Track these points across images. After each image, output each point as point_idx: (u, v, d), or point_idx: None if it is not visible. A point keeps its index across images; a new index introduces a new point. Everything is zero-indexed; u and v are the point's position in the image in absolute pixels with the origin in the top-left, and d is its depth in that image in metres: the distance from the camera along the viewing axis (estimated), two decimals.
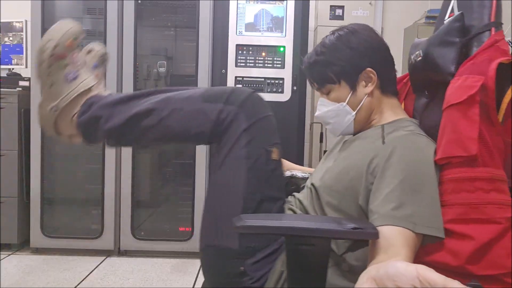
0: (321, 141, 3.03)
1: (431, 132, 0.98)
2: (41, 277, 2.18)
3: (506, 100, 0.86)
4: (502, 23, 0.94)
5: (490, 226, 0.83)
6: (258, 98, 1.09)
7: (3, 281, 2.11)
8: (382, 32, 3.19)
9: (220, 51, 2.44)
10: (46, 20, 2.44)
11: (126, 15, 2.45)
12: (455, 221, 0.86)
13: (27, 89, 2.51)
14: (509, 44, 1.06)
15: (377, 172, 0.92)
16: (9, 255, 2.47)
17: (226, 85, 2.42)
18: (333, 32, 1.09)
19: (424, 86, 1.09)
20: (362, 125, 1.09)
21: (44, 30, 2.43)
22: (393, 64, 1.09)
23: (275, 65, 2.44)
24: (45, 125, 1.18)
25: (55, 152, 2.58)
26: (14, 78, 2.71)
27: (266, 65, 2.44)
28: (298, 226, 0.82)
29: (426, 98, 1.09)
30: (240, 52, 2.44)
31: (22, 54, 2.76)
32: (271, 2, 2.44)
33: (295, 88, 2.43)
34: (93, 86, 1.15)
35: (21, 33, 2.75)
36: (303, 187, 1.19)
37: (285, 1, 2.43)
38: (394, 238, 0.82)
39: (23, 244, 2.57)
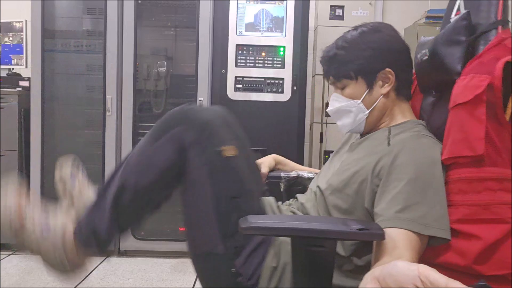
0: (321, 141, 3.03)
1: (439, 131, 0.97)
2: (41, 277, 2.18)
3: None
4: (509, 21, 0.94)
5: (498, 226, 0.83)
6: (190, 109, 1.07)
7: (3, 281, 2.11)
8: None
9: (220, 51, 2.44)
10: (46, 20, 2.45)
11: (126, 15, 2.45)
12: (462, 221, 0.86)
13: (27, 89, 2.51)
14: None
15: (383, 174, 0.92)
16: (9, 255, 2.47)
17: (226, 84, 2.42)
18: (355, 28, 1.08)
19: (431, 85, 1.08)
20: (372, 126, 1.08)
21: (44, 30, 2.43)
22: (412, 68, 1.07)
23: (275, 65, 2.43)
24: (65, 274, 1.13)
25: (55, 152, 2.58)
26: (14, 78, 2.71)
27: (266, 65, 2.44)
28: (305, 227, 0.81)
29: (434, 97, 1.08)
30: (240, 52, 2.44)
31: (22, 54, 2.76)
32: (271, 2, 2.44)
33: (295, 88, 2.43)
34: (66, 222, 1.08)
35: (21, 33, 2.75)
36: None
37: (285, 1, 2.43)
38: (398, 240, 0.82)
39: None
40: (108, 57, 2.44)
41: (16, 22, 2.76)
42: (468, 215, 0.85)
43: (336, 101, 1.09)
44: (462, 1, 1.03)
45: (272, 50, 2.44)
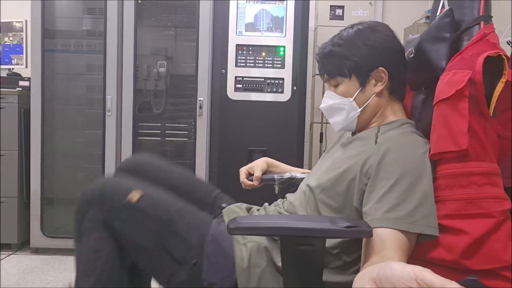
0: (321, 141, 3.03)
1: (430, 128, 0.98)
2: (41, 277, 2.18)
3: (496, 93, 0.86)
4: (491, 16, 0.94)
5: (484, 220, 0.84)
6: (82, 197, 1.09)
7: (3, 281, 2.11)
8: None
9: (220, 51, 2.44)
10: (46, 20, 2.45)
11: (126, 15, 2.45)
12: (449, 216, 0.86)
13: (27, 89, 2.51)
14: (509, 44, 1.07)
15: (371, 173, 0.92)
16: (9, 255, 2.47)
17: (226, 85, 2.42)
18: (352, 26, 1.08)
19: (419, 82, 1.09)
20: (364, 124, 1.09)
21: (44, 30, 2.43)
22: (406, 69, 1.08)
23: (275, 65, 2.43)
24: None
25: (55, 152, 2.58)
26: (14, 78, 2.71)
27: (266, 65, 2.44)
28: (294, 226, 0.82)
29: (423, 94, 1.09)
30: (240, 52, 2.44)
31: (22, 54, 2.76)
32: (271, 2, 2.44)
33: (295, 88, 2.43)
34: None
35: (21, 33, 2.75)
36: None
37: (285, 1, 2.43)
38: (387, 240, 0.83)
39: (23, 244, 2.57)
40: (108, 57, 2.44)
41: (16, 22, 2.76)
42: (455, 210, 0.86)
43: (329, 98, 1.10)
44: (446, 1, 1.04)
45: (272, 50, 2.44)
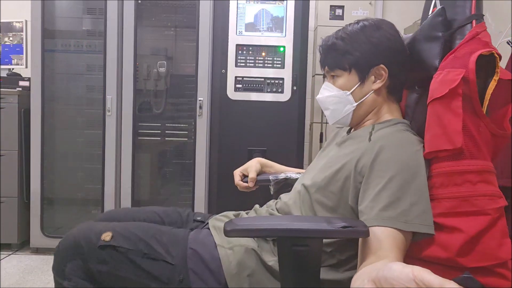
0: (321, 141, 3.03)
1: (424, 127, 0.98)
2: (41, 277, 2.18)
3: (489, 91, 0.87)
4: (483, 15, 0.95)
5: (479, 218, 0.84)
6: (57, 248, 1.09)
7: (3, 281, 2.11)
8: None
9: (220, 51, 2.44)
10: (46, 20, 2.45)
11: (126, 15, 2.45)
12: (444, 214, 0.87)
13: (27, 89, 2.51)
14: (509, 44, 1.07)
15: (365, 172, 0.93)
16: (9, 255, 2.47)
17: (226, 85, 2.42)
18: (358, 22, 1.08)
19: (413, 81, 1.09)
20: (359, 120, 1.09)
21: (44, 30, 2.43)
22: (406, 70, 1.07)
23: (275, 65, 2.43)
24: None
25: (55, 152, 2.58)
26: (14, 78, 2.71)
27: (266, 65, 2.44)
28: (290, 227, 0.83)
29: (417, 93, 1.09)
30: (240, 52, 2.44)
31: (22, 54, 2.76)
32: (271, 2, 2.44)
33: (295, 88, 2.43)
34: None
35: (21, 33, 2.75)
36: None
37: (285, 1, 2.43)
38: (383, 239, 0.83)
39: (23, 244, 2.57)
40: (108, 57, 2.44)
41: (16, 22, 2.76)
42: (450, 208, 0.86)
43: (326, 90, 1.10)
44: (438, 0, 1.04)
45: (272, 50, 2.44)
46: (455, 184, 0.86)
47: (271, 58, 2.44)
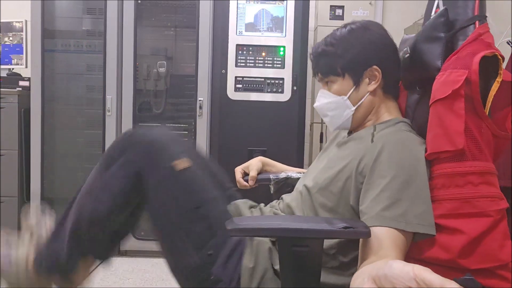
0: (321, 141, 3.03)
1: (425, 128, 0.98)
2: None
3: (492, 93, 0.87)
4: (486, 16, 0.95)
5: (481, 220, 0.84)
6: (134, 134, 1.10)
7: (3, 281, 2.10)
8: None
9: (220, 51, 2.44)
10: (46, 20, 2.45)
11: (126, 15, 2.45)
12: (446, 216, 0.86)
13: (27, 89, 2.51)
14: (509, 44, 1.07)
15: (366, 172, 0.93)
16: None
17: (226, 85, 2.42)
18: (345, 26, 1.08)
19: (414, 82, 1.09)
20: (359, 122, 1.09)
21: (44, 30, 2.43)
22: (399, 66, 1.08)
23: (275, 65, 2.43)
24: None
25: (55, 152, 2.58)
26: (14, 78, 2.71)
27: (266, 65, 2.43)
28: (291, 227, 0.82)
29: (418, 94, 1.09)
30: (240, 52, 2.44)
31: (22, 54, 2.76)
32: (271, 2, 2.44)
33: (295, 88, 2.43)
34: (27, 253, 1.13)
35: (21, 33, 2.75)
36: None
37: (285, 1, 2.43)
38: (383, 239, 0.83)
39: None
40: (108, 57, 2.44)
41: (16, 22, 2.76)
42: (451, 210, 0.86)
43: (323, 97, 1.10)
44: (441, 0, 1.04)
45: (272, 50, 2.44)
46: (457, 185, 0.86)
47: (271, 58, 2.43)
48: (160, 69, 2.53)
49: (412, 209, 0.86)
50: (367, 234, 0.81)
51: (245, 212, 1.13)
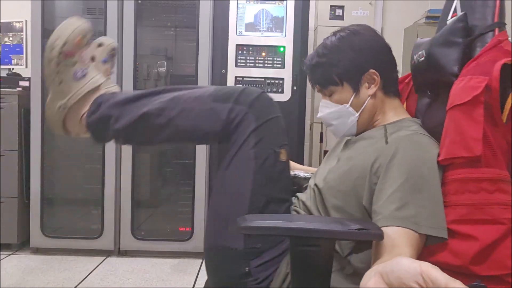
0: (321, 141, 3.03)
1: (434, 132, 0.98)
2: (41, 277, 2.18)
3: (510, 100, 0.86)
4: (505, 23, 0.94)
5: (494, 227, 0.83)
6: (268, 99, 1.09)
7: (3, 281, 2.11)
8: (382, 32, 3.18)
9: (220, 51, 2.44)
10: (46, 20, 2.45)
11: (126, 15, 2.45)
12: (458, 221, 0.86)
13: (27, 89, 2.51)
14: None
15: (381, 172, 0.92)
16: (9, 255, 2.47)
17: (226, 84, 2.42)
18: (334, 33, 1.08)
19: (426, 86, 1.08)
20: (365, 126, 1.09)
21: (44, 30, 2.43)
22: (395, 65, 1.09)
23: (275, 65, 2.44)
24: (53, 124, 1.17)
25: (55, 152, 2.58)
26: (14, 78, 2.71)
27: (266, 65, 2.44)
28: (302, 227, 0.81)
29: (429, 98, 1.09)
30: (240, 52, 2.44)
31: (22, 54, 2.76)
32: (271, 2, 2.44)
33: (295, 88, 2.43)
34: (101, 84, 1.15)
35: (21, 33, 2.75)
36: (305, 187, 1.18)
37: (285, 1, 2.43)
38: (397, 238, 0.82)
39: (23, 244, 2.56)
40: None
41: (16, 22, 2.76)
42: (465, 216, 0.85)
43: (326, 107, 1.10)
44: (459, 2, 1.03)
45: (272, 50, 2.44)
46: (470, 191, 0.85)
47: (271, 58, 2.44)
48: (160, 69, 2.53)
49: (421, 211, 0.85)
50: (380, 237, 0.80)
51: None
